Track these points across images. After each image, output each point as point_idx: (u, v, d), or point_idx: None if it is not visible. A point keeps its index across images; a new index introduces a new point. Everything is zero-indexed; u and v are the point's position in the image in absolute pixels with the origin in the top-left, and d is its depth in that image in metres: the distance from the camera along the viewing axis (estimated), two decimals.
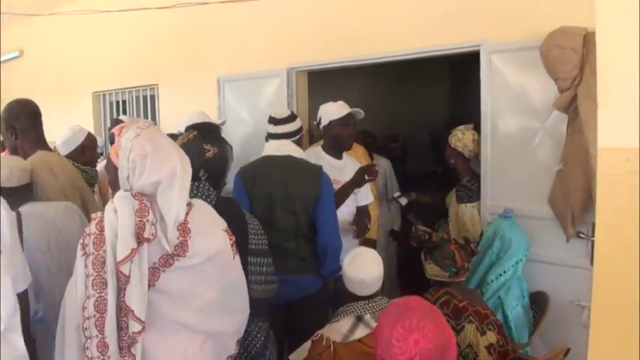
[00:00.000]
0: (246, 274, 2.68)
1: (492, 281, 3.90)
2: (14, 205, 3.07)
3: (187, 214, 2.30)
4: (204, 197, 2.79)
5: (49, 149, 3.93)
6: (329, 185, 3.69)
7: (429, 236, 3.56)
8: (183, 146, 2.73)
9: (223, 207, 2.76)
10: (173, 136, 4.86)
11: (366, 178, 4.13)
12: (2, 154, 3.99)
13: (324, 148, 4.52)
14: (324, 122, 4.43)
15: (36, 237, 3.01)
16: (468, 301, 3.20)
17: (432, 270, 3.40)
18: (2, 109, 3.65)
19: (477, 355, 3.06)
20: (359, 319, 2.97)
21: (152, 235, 2.15)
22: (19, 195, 3.17)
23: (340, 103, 4.50)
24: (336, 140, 4.43)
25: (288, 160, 3.74)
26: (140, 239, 2.13)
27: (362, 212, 4.36)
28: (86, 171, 4.39)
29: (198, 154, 2.84)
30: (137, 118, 2.87)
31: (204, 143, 2.93)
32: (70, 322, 2.22)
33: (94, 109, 8.73)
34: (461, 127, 4.72)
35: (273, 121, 4.30)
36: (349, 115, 4.39)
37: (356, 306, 3.02)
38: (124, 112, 8.38)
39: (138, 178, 2.24)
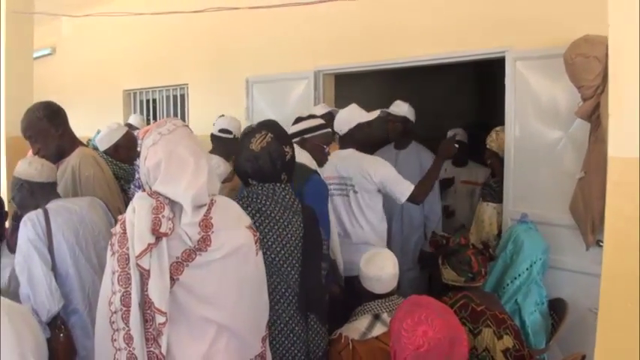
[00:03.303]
0: (322, 278, 2.83)
1: (508, 284, 3.92)
2: (40, 201, 3.20)
3: (210, 209, 2.35)
4: (291, 202, 2.79)
5: (85, 146, 4.03)
6: (315, 188, 3.54)
7: (446, 241, 3.58)
8: (264, 149, 2.76)
9: (306, 212, 2.83)
10: (219, 139, 4.98)
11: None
12: (29, 154, 4.07)
13: None
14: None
15: (64, 231, 3.11)
16: (485, 305, 3.20)
17: (448, 275, 3.42)
18: (35, 108, 3.69)
19: (494, 359, 3.07)
20: (376, 317, 3.05)
21: (169, 229, 2.22)
22: (45, 191, 3.28)
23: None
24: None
25: None
26: (157, 234, 2.20)
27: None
28: (124, 168, 4.48)
29: (279, 157, 2.80)
30: (170, 118, 2.87)
31: (282, 145, 2.84)
32: (102, 315, 2.31)
33: (125, 107, 8.85)
34: (497, 128, 4.79)
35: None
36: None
37: (373, 305, 3.11)
38: (154, 111, 8.50)
39: (152, 183, 2.33)
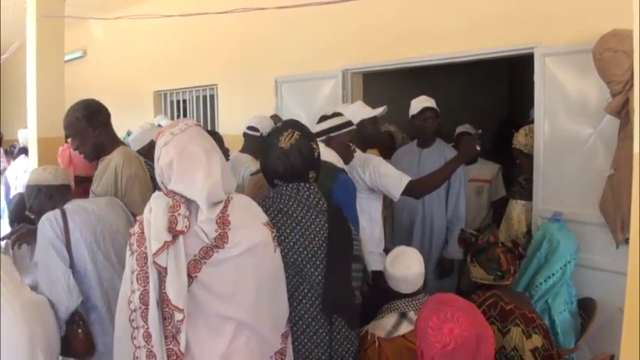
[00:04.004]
0: (351, 280, 2.76)
1: (541, 284, 3.88)
2: (58, 204, 3.31)
3: (227, 207, 2.39)
4: (315, 201, 2.76)
5: (125, 145, 4.09)
6: (344, 186, 3.46)
7: (475, 239, 3.54)
8: (294, 146, 2.75)
9: (332, 212, 2.80)
10: (247, 136, 5.02)
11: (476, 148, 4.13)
12: (61, 148, 4.13)
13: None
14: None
15: (81, 230, 3.20)
16: (514, 304, 3.17)
17: (476, 273, 3.39)
18: (76, 108, 3.74)
19: (522, 359, 3.04)
20: (403, 315, 3.03)
21: (185, 227, 2.26)
22: (62, 193, 3.40)
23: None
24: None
25: None
26: (174, 232, 2.24)
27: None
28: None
29: (309, 153, 2.78)
30: (183, 118, 2.97)
31: (310, 142, 2.83)
32: (121, 314, 2.35)
33: (155, 108, 8.96)
34: (523, 128, 4.78)
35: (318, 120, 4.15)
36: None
37: (399, 303, 3.09)
38: (185, 111, 8.59)
39: (167, 183, 2.39)
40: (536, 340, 3.05)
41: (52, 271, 3.09)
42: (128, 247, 2.37)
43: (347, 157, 3.87)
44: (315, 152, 2.82)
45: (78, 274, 3.17)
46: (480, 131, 4.64)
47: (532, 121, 4.74)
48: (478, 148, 4.14)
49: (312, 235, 2.70)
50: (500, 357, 3.00)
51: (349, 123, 3.94)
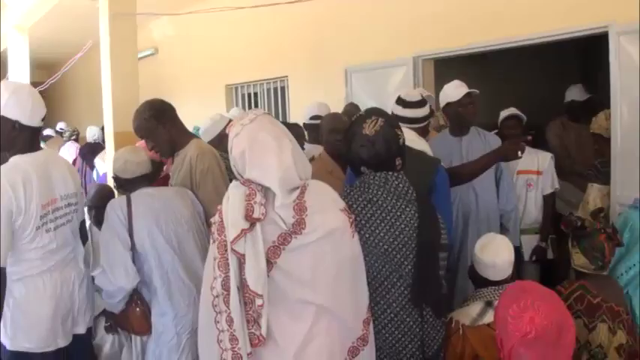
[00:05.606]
0: (438, 270, 2.74)
1: (622, 275, 3.71)
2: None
3: (303, 193, 2.42)
4: (404, 191, 2.71)
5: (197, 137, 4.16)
6: (444, 179, 3.38)
7: (581, 223, 3.30)
8: (379, 133, 2.70)
9: (421, 201, 2.76)
10: (312, 126, 5.08)
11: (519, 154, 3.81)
12: (138, 143, 4.24)
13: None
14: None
15: (144, 215, 3.34)
16: (602, 297, 3.05)
17: (578, 260, 3.21)
18: (142, 110, 3.83)
19: (606, 356, 2.96)
20: (488, 304, 2.99)
21: (262, 214, 2.31)
22: (129, 187, 3.52)
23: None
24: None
25: None
26: (251, 220, 2.29)
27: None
28: (228, 159, 4.56)
29: (394, 140, 2.72)
30: (252, 109, 3.03)
31: (395, 128, 2.74)
32: (205, 300, 2.43)
33: (227, 101, 9.11)
34: (599, 113, 4.64)
35: (402, 103, 3.89)
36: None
37: (486, 291, 3.05)
38: (256, 104, 8.73)
39: (242, 172, 2.44)
40: (621, 337, 2.96)
41: (113, 253, 3.30)
42: (211, 236, 2.44)
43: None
44: (400, 139, 2.75)
45: (139, 257, 3.35)
46: (529, 138, 4.37)
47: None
48: (520, 155, 3.81)
49: (403, 225, 2.66)
50: (583, 352, 2.93)
51: (430, 115, 3.93)
